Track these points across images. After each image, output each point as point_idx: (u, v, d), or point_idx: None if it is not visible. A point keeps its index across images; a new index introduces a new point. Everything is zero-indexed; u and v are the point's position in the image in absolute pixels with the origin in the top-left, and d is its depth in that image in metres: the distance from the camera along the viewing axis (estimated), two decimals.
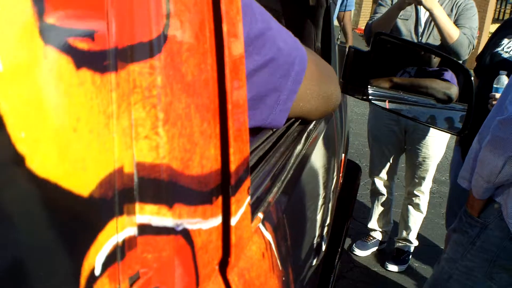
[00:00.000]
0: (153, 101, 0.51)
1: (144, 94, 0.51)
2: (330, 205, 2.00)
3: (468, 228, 2.60)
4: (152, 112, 0.51)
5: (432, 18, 3.89)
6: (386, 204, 4.75)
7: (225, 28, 0.65)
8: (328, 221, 1.98)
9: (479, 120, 2.76)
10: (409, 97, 2.18)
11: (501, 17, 26.50)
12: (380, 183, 4.67)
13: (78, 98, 0.42)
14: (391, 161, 4.53)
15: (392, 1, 4.21)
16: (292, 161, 1.23)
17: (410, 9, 4.11)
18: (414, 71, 2.23)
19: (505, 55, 3.47)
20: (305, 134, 1.42)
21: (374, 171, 4.68)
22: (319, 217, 1.67)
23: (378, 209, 4.78)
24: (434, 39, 4.03)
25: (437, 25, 3.88)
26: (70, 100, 0.41)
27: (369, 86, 2.08)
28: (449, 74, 2.20)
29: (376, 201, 4.77)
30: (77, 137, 0.42)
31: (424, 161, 4.34)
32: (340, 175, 2.49)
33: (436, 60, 2.32)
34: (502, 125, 2.31)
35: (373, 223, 4.82)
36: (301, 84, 1.04)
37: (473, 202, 2.59)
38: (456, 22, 3.98)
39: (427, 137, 4.22)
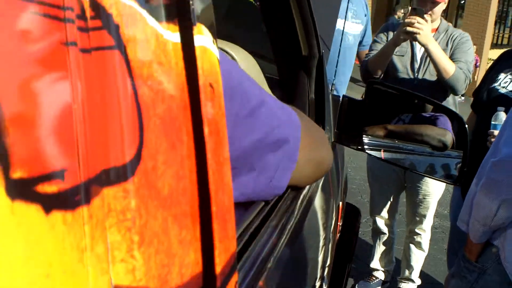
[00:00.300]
0: (127, 224, 0.51)
1: (118, 217, 0.51)
2: (328, 255, 2.00)
3: (467, 273, 2.57)
4: (127, 236, 0.51)
5: (427, 53, 3.92)
6: (388, 243, 4.72)
7: (206, 130, 0.64)
8: (328, 263, 1.98)
9: (478, 157, 2.74)
10: (404, 145, 2.19)
11: (499, 42, 26.56)
12: (381, 222, 4.65)
13: (50, 243, 0.42)
14: (391, 200, 4.53)
15: (387, 38, 4.22)
16: (286, 233, 1.22)
17: (406, 45, 4.14)
18: (409, 118, 2.23)
19: (502, 91, 3.42)
20: (299, 201, 1.41)
21: (375, 210, 4.66)
22: (319, 265, 1.66)
23: (380, 248, 4.75)
24: (430, 75, 4.05)
25: (432, 61, 3.91)
26: (41, 248, 0.41)
27: (364, 135, 2.08)
28: (443, 120, 2.20)
29: (378, 240, 4.75)
30: (50, 282, 0.42)
31: (424, 198, 4.33)
32: (339, 223, 2.48)
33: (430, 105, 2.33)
34: (496, 167, 2.30)
35: (375, 263, 4.79)
36: (295, 162, 1.04)
37: (471, 247, 2.57)
38: (451, 57, 4.00)
39: None
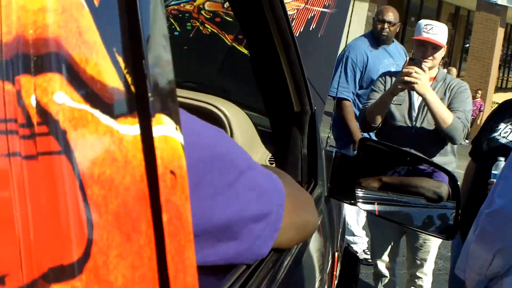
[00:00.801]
0: None
1: None
2: None
3: None
4: None
5: (425, 103, 3.93)
6: (390, 286, 4.71)
7: (165, 217, 0.65)
8: None
9: (477, 206, 2.72)
10: (399, 197, 2.19)
11: (504, 86, 26.56)
12: (382, 265, 4.63)
13: None
14: (392, 244, 4.51)
15: (385, 87, 4.24)
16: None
17: (403, 94, 4.15)
18: (405, 171, 2.24)
19: (503, 141, 3.42)
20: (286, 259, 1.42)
21: (376, 254, 4.65)
22: None
23: None
24: (428, 123, 4.06)
25: (430, 110, 3.92)
26: None
27: (357, 188, 2.09)
28: (440, 173, 2.21)
29: (380, 284, 4.73)
30: None
31: (425, 243, 4.30)
32: (335, 272, 2.48)
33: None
34: (490, 218, 2.28)
35: None
36: (278, 230, 1.04)
37: None
38: (449, 106, 4.02)
39: None
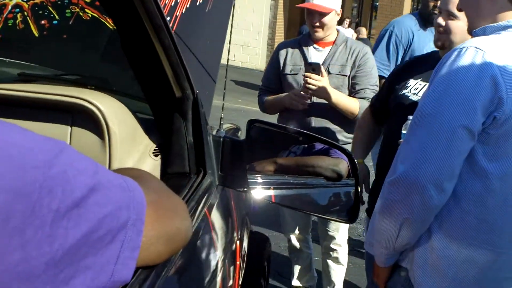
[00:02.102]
0: None
1: None
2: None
3: None
4: None
5: (331, 105, 3.91)
6: (306, 259, 4.67)
7: None
8: None
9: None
10: (295, 179, 2.08)
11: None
12: (295, 239, 4.58)
13: None
14: (303, 216, 4.43)
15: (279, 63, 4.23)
16: None
17: (300, 63, 4.12)
18: (300, 150, 2.12)
19: (413, 98, 3.22)
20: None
21: (287, 228, 4.60)
22: None
23: (298, 266, 4.70)
24: None
25: (337, 109, 3.90)
26: None
27: (251, 174, 1.97)
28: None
29: (295, 258, 4.69)
30: None
31: None
32: (238, 262, 2.38)
33: None
34: (392, 186, 2.20)
35: (296, 281, 4.74)
36: (138, 248, 0.93)
37: (377, 271, 2.48)
38: (354, 81, 3.99)
39: None
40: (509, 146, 2.15)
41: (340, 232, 4.37)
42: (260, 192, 1.98)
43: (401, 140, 2.94)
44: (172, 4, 2.68)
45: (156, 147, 2.01)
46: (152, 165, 1.98)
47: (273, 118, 4.08)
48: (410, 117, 2.86)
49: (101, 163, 1.90)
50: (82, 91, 1.99)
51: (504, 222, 2.23)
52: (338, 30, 4.24)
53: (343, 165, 2.02)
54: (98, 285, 0.86)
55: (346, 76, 4.04)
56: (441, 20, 3.12)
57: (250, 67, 20.63)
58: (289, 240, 4.61)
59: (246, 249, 2.81)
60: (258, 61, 20.82)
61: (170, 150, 1.95)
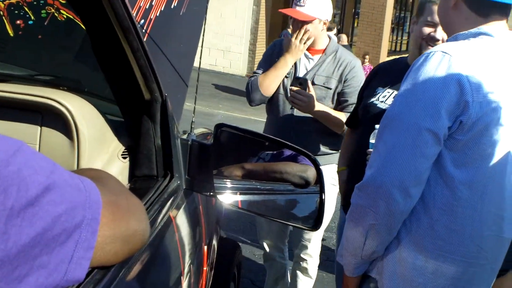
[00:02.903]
0: None
1: None
2: None
3: None
4: None
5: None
6: (280, 269, 4.55)
7: None
8: None
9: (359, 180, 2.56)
10: (262, 185, 2.08)
11: (397, 48, 27.03)
12: (269, 247, 4.48)
13: None
14: (280, 224, 4.29)
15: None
16: None
17: (291, 67, 4.07)
18: (269, 156, 2.12)
19: (382, 106, 3.20)
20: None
21: (262, 234, 4.50)
22: None
23: (272, 275, 4.58)
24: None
25: (324, 123, 3.88)
26: None
27: (218, 179, 1.97)
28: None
29: (269, 267, 4.59)
30: None
31: None
32: (204, 268, 2.38)
33: None
34: (360, 191, 2.19)
35: None
36: (93, 248, 0.94)
37: (346, 281, 2.43)
38: (342, 95, 3.97)
39: None
40: (477, 153, 2.15)
41: (312, 242, 4.28)
42: (227, 197, 1.99)
43: (370, 149, 2.94)
44: (147, 7, 2.69)
45: (125, 149, 2.01)
46: (120, 167, 1.99)
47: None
48: (377, 126, 2.86)
49: (70, 163, 1.92)
50: (52, 92, 2.00)
51: (473, 232, 2.21)
52: (330, 38, 4.17)
53: (311, 172, 2.02)
54: (52, 283, 0.87)
55: (331, 89, 3.97)
56: (439, 35, 3.09)
57: (231, 72, 20.65)
58: (264, 248, 4.50)
59: (215, 255, 2.80)
60: (239, 66, 20.84)
61: (138, 153, 1.95)
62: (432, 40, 3.12)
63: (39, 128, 1.98)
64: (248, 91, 4.19)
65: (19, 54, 2.62)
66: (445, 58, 2.09)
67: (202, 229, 2.36)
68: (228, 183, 2.00)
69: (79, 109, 1.95)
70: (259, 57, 21.13)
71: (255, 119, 13.68)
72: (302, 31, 3.92)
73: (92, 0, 1.65)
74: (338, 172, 3.72)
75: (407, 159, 2.09)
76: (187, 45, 2.73)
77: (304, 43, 3.94)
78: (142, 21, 2.61)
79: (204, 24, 2.57)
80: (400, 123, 2.13)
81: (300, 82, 3.84)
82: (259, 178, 2.08)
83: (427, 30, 3.15)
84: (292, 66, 4.05)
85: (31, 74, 2.55)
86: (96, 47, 1.89)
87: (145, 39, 2.40)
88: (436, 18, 3.05)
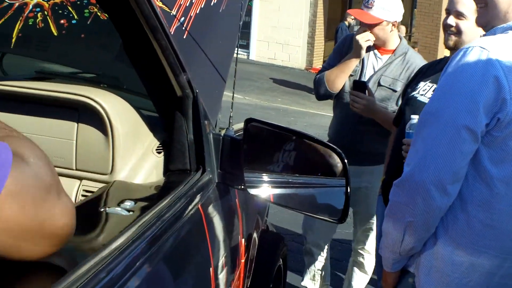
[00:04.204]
0: None
1: None
2: None
3: None
4: None
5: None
6: (318, 266, 4.44)
7: None
8: None
9: (398, 173, 2.56)
10: (294, 179, 2.10)
11: None
12: (311, 243, 4.38)
13: None
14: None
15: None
16: None
17: (358, 64, 4.03)
18: (296, 150, 2.12)
19: (421, 98, 3.21)
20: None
21: (306, 229, 4.39)
22: None
23: (310, 270, 4.46)
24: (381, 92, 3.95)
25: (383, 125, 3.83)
26: None
27: (250, 172, 2.00)
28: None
29: (307, 262, 4.47)
30: None
31: (372, 215, 4.09)
32: (242, 260, 2.42)
33: None
34: (398, 188, 2.20)
35: (306, 281, 4.51)
36: None
37: (385, 276, 2.44)
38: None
39: (369, 194, 4.01)
40: None
41: (370, 238, 4.23)
42: (257, 190, 2.02)
43: (406, 139, 2.98)
44: (187, 5, 2.73)
45: (159, 144, 2.07)
46: (155, 161, 2.05)
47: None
48: (413, 116, 2.88)
49: (106, 158, 1.99)
50: (89, 90, 2.07)
51: (509, 228, 2.20)
52: (401, 38, 4.10)
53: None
54: None
55: (396, 91, 3.92)
56: (451, 21, 3.12)
57: (290, 66, 20.62)
58: (305, 241, 4.41)
59: (255, 248, 2.84)
60: (298, 59, 20.80)
61: (172, 147, 2.01)
62: (446, 27, 3.17)
63: (76, 124, 2.05)
64: (314, 85, 4.20)
65: (63, 52, 2.70)
66: (483, 54, 2.07)
67: (238, 221, 2.40)
68: (261, 177, 2.03)
69: (114, 106, 2.01)
70: (317, 50, 21.13)
71: (313, 112, 13.68)
72: (364, 34, 3.89)
73: (120, 2, 1.71)
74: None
75: (445, 156, 2.08)
76: (226, 41, 2.76)
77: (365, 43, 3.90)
78: (182, 18, 2.66)
79: (241, 21, 2.61)
80: (438, 119, 2.12)
81: (358, 85, 3.81)
82: (290, 171, 2.09)
83: (445, 18, 3.20)
84: (360, 63, 4.02)
85: (74, 72, 2.63)
86: (127, 46, 1.95)
87: (185, 37, 2.46)
88: (451, 6, 3.13)
